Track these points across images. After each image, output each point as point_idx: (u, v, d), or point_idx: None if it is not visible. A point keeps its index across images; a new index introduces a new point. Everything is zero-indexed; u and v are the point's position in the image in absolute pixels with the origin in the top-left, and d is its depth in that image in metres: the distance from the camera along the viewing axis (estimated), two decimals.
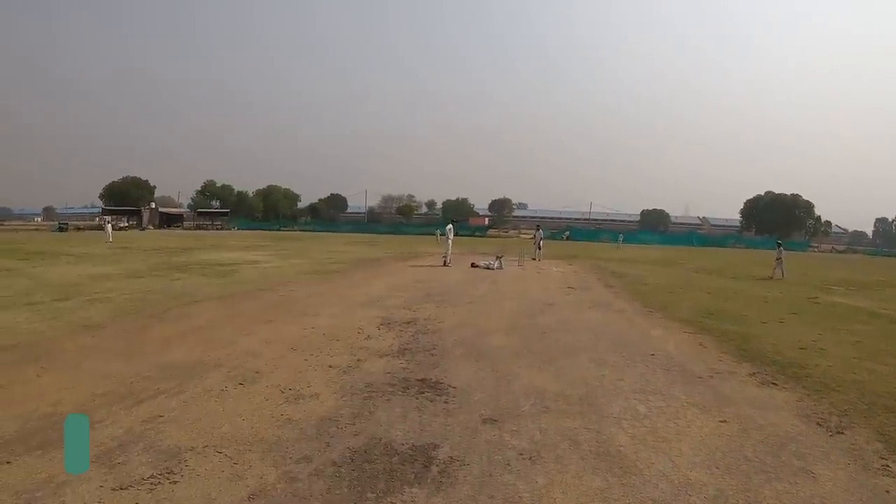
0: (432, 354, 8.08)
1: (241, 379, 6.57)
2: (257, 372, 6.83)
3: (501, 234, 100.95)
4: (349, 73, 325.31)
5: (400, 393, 6.20)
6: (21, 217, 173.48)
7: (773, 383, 7.31)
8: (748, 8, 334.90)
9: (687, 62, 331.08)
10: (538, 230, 30.84)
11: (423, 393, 6.22)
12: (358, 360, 7.66)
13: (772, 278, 25.16)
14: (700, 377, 7.40)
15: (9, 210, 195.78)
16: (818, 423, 5.80)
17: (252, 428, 4.97)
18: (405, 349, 8.32)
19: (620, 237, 59.79)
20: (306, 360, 7.56)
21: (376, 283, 17.55)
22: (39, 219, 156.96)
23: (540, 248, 28.41)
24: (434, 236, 26.08)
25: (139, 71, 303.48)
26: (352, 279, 18.80)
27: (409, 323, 10.52)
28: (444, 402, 5.93)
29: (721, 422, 5.70)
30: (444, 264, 25.05)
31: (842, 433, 5.53)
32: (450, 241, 26.21)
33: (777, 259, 26.89)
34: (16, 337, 8.76)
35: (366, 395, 6.11)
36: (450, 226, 27.68)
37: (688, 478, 4.38)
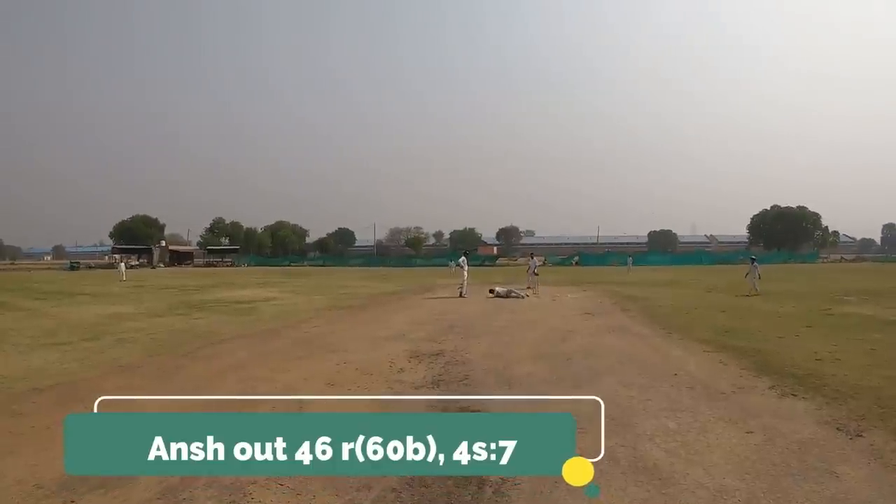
0: (466, 384, 8.46)
1: (286, 411, 6.92)
2: (300, 406, 7.18)
3: (511, 262, 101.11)
4: (359, 106, 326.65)
5: None
6: (30, 256, 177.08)
7: (793, 394, 7.67)
8: (750, 21, 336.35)
9: (687, 74, 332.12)
10: (532, 257, 30.68)
11: None
12: (395, 392, 8.05)
13: (758, 294, 25.30)
14: (723, 393, 7.78)
15: (18, 249, 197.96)
16: (838, 429, 6.17)
17: None
18: (439, 380, 8.71)
19: (630, 260, 59.62)
20: (343, 395, 7.96)
21: (396, 317, 17.91)
22: (49, 257, 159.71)
23: (536, 275, 28.35)
24: (448, 267, 26.25)
25: (150, 111, 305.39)
26: (371, 314, 19.22)
27: (437, 355, 10.88)
28: None
29: (747, 433, 6.07)
30: (460, 295, 25.35)
31: (861, 436, 5.90)
32: (465, 272, 26.50)
33: (747, 275, 27.34)
34: (51, 378, 9.19)
35: None
36: (463, 257, 28.09)
37: (722, 484, 4.78)
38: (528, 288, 26.93)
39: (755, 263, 27.56)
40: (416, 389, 8.21)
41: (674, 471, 5.08)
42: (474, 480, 4.88)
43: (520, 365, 9.86)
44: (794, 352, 10.76)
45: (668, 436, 5.99)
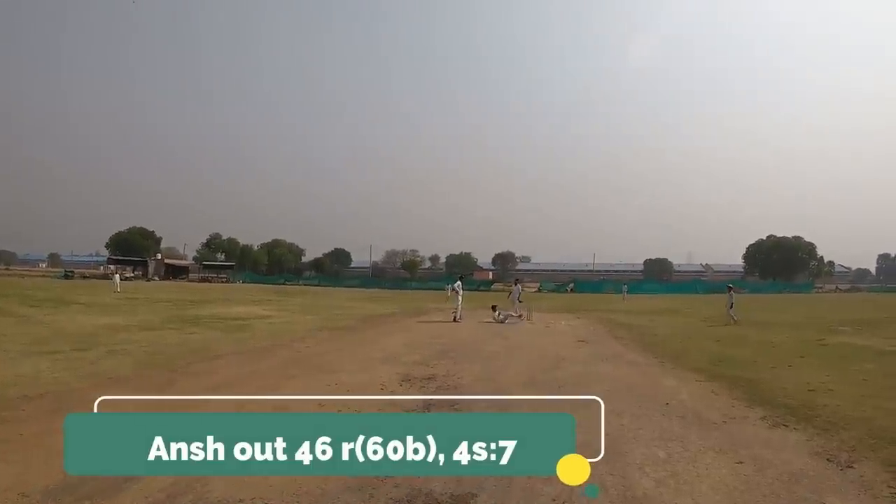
0: (458, 410, 8.30)
1: None
2: None
3: (506, 287, 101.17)
4: (350, 129, 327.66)
5: None
6: (25, 262, 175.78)
7: (784, 425, 7.66)
8: (739, 56, 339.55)
9: (681, 110, 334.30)
10: (516, 284, 30.57)
11: None
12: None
13: (737, 323, 25.32)
14: (714, 423, 7.76)
15: (13, 254, 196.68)
16: (828, 459, 6.14)
17: (296, 481, 5.28)
18: (430, 404, 8.56)
19: (625, 288, 60.09)
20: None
21: (390, 339, 17.87)
22: (44, 265, 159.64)
23: (520, 302, 28.20)
24: (445, 291, 26.21)
25: (149, 123, 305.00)
26: (365, 336, 19.19)
27: (428, 379, 10.83)
28: None
29: (737, 463, 6.04)
30: (454, 320, 25.28)
31: (851, 467, 5.88)
32: (460, 297, 26.43)
33: (728, 304, 27.02)
34: (41, 386, 9.17)
35: None
36: (458, 281, 28.01)
37: None
38: (519, 315, 26.87)
39: (731, 292, 27.67)
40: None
41: (662, 500, 5.06)
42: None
43: (511, 391, 9.83)
44: (786, 382, 10.77)
45: (658, 465, 5.95)
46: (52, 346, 13.55)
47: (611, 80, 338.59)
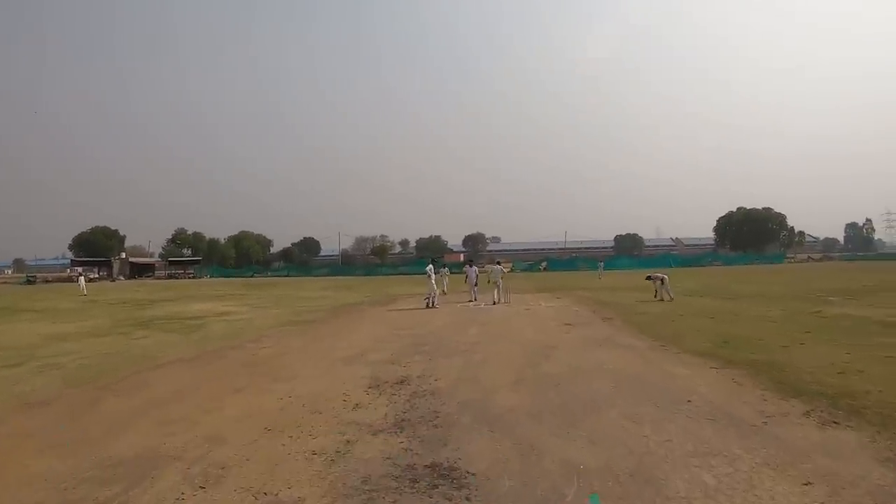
0: (436, 426, 6.79)
1: (203, 479, 5.28)
2: (223, 467, 5.53)
3: (481, 270, 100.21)
4: (314, 118, 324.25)
5: (408, 489, 4.89)
6: None
7: (834, 422, 6.40)
8: (693, 35, 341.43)
9: (655, 78, 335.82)
10: (470, 265, 29.19)
11: (437, 487, 4.92)
12: (347, 440, 6.33)
13: (662, 300, 23.93)
14: (753, 425, 6.36)
15: None
16: None
17: None
18: (403, 420, 7.02)
19: (601, 265, 58.89)
20: (284, 444, 6.21)
21: (357, 333, 16.25)
22: (10, 271, 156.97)
23: (476, 285, 26.68)
24: (427, 276, 24.54)
25: (114, 113, 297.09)
26: (330, 330, 17.53)
27: (400, 383, 9.21)
28: (467, 500, 4.68)
29: (805, 484, 4.72)
30: (428, 306, 23.91)
31: None
32: (433, 281, 25.12)
33: (655, 280, 25.37)
34: None
35: (364, 496, 4.79)
36: (430, 265, 26.69)
37: None
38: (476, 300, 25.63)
39: (653, 278, 25.86)
40: (375, 435, 6.49)
41: None
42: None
43: (499, 394, 8.24)
44: (807, 363, 9.54)
45: (710, 497, 4.51)
46: None
47: (572, 69, 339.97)
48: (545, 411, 7.20)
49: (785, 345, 11.55)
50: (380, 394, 8.51)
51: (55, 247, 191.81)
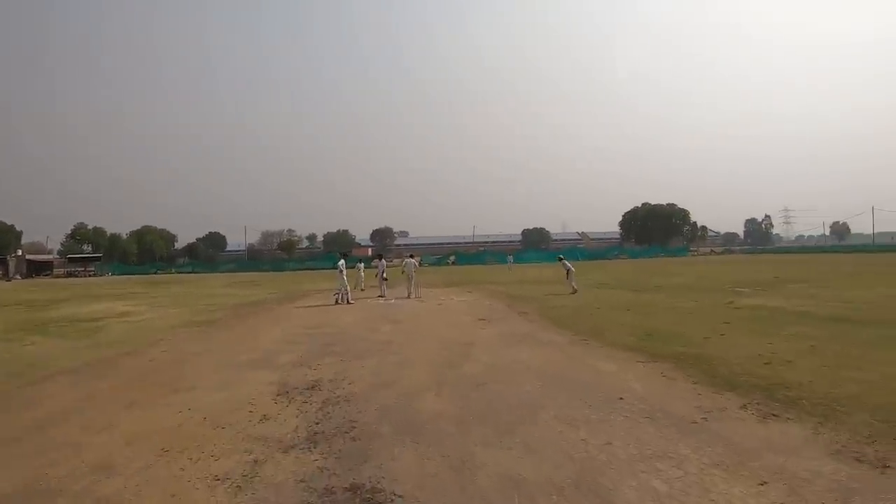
0: (354, 438, 6.12)
1: None
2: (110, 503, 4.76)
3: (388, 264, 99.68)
4: (221, 107, 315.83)
5: None
6: None
7: (773, 414, 6.30)
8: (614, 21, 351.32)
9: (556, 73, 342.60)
10: (379, 259, 28.86)
11: None
12: (255, 460, 5.58)
13: (576, 292, 24.21)
14: (693, 422, 6.14)
15: None
16: (857, 460, 4.93)
17: None
18: (316, 433, 6.33)
19: (510, 258, 59.40)
20: (182, 469, 5.36)
21: (264, 333, 15.23)
22: None
23: (385, 280, 26.31)
24: (338, 271, 23.47)
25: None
26: (235, 330, 16.35)
27: (312, 388, 8.43)
28: None
29: (760, 484, 4.50)
30: (337, 302, 23.19)
31: (888, 466, 4.76)
32: (345, 277, 24.06)
33: (567, 271, 25.76)
34: None
35: None
36: (342, 260, 25.66)
37: None
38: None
39: (564, 261, 26.46)
40: (286, 452, 5.75)
41: None
42: None
43: (420, 398, 7.61)
44: (733, 355, 9.54)
45: None
46: None
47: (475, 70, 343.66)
48: (473, 418, 6.64)
49: (707, 336, 11.62)
50: (289, 402, 7.73)
51: None
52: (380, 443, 5.91)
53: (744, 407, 6.55)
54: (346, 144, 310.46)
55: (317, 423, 6.67)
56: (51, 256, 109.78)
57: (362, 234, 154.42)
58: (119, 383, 9.59)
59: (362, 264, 33.55)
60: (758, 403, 6.65)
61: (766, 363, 8.79)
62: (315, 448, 5.83)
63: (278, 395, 8.18)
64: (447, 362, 10.09)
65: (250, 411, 7.32)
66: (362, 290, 29.18)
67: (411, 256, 28.67)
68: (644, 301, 19.76)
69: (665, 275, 37.32)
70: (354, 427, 6.47)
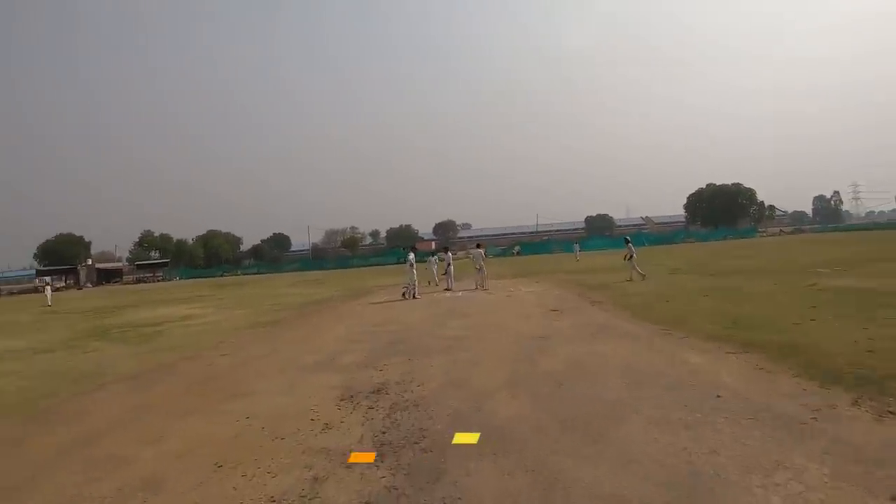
0: (425, 450, 5.56)
1: None
2: None
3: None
4: (284, 111, 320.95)
5: None
6: None
7: (890, 412, 5.56)
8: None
9: (616, 57, 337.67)
10: (445, 252, 28.55)
11: None
12: (315, 477, 5.09)
13: (630, 280, 23.30)
14: (803, 423, 5.42)
15: None
16: None
17: None
18: (383, 444, 5.82)
19: (577, 246, 57.76)
20: (236, 487, 5.00)
21: (327, 332, 14.92)
22: None
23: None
24: (408, 265, 22.84)
25: (71, 118, 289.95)
26: (298, 330, 16.14)
27: (378, 392, 7.99)
28: None
29: (892, 499, 3.81)
30: (405, 297, 22.91)
31: None
32: (414, 271, 23.62)
33: (629, 258, 24.45)
34: None
35: None
36: (412, 254, 25.15)
37: None
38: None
39: (630, 245, 25.02)
40: (349, 467, 5.25)
41: None
42: None
43: (495, 401, 7.02)
44: (831, 343, 8.60)
45: None
46: None
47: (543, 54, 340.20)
48: (555, 422, 6.01)
49: (796, 322, 10.69)
50: (354, 408, 7.29)
51: (21, 257, 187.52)
52: (453, 454, 5.38)
53: (855, 403, 5.79)
54: (412, 143, 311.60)
55: (383, 433, 6.19)
56: (120, 264, 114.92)
57: (425, 228, 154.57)
58: (176, 390, 9.41)
59: (434, 258, 32.05)
60: (870, 399, 5.87)
61: (867, 350, 7.88)
62: (382, 463, 5.33)
63: (342, 400, 7.75)
64: (522, 358, 9.49)
65: (312, 419, 6.91)
66: (436, 284, 28.54)
67: (478, 246, 27.70)
68: (721, 286, 18.62)
69: (737, 257, 35.55)
70: (424, 436, 5.94)
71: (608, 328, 11.98)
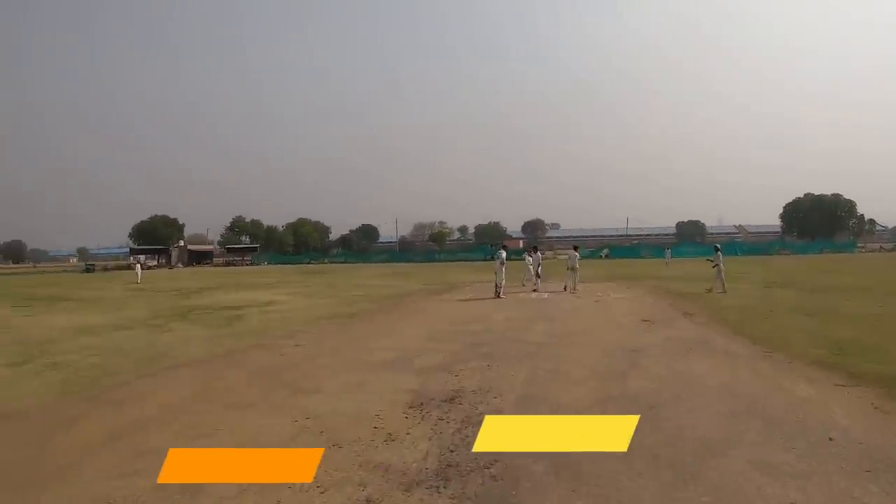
0: (496, 477, 4.98)
1: None
2: None
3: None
4: (375, 107, 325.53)
5: None
6: (56, 259, 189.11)
7: None
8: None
9: (704, 64, 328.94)
10: (534, 252, 27.69)
11: None
12: (368, 499, 4.62)
13: (711, 291, 22.02)
14: None
15: (45, 252, 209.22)
16: None
17: None
18: (450, 465, 5.29)
19: (668, 252, 55.79)
20: (280, 501, 4.64)
21: (407, 328, 14.64)
22: (75, 259, 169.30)
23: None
24: (499, 263, 22.33)
25: (173, 107, 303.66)
26: (377, 324, 15.95)
27: (451, 401, 7.50)
28: None
29: None
30: (498, 296, 22.30)
31: None
32: (504, 270, 22.95)
33: (715, 266, 23.01)
34: None
35: None
36: (503, 252, 24.53)
37: None
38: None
39: (720, 254, 23.52)
40: (408, 491, 4.77)
41: None
42: None
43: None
44: None
45: None
46: None
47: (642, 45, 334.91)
48: (643, 453, 5.39)
49: None
50: (422, 418, 6.83)
51: (119, 236, 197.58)
52: (528, 485, 4.80)
53: None
54: (498, 135, 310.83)
55: (451, 451, 5.64)
56: (211, 247, 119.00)
57: (514, 226, 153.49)
58: (240, 379, 9.27)
59: (530, 258, 29.44)
60: None
61: None
62: (445, 488, 4.80)
63: (411, 407, 7.31)
64: (610, 373, 8.85)
65: (375, 427, 6.49)
66: (524, 284, 27.48)
67: (575, 248, 26.71)
68: (821, 304, 17.16)
69: (836, 273, 33.10)
70: (497, 460, 5.33)
71: (703, 344, 11.19)
